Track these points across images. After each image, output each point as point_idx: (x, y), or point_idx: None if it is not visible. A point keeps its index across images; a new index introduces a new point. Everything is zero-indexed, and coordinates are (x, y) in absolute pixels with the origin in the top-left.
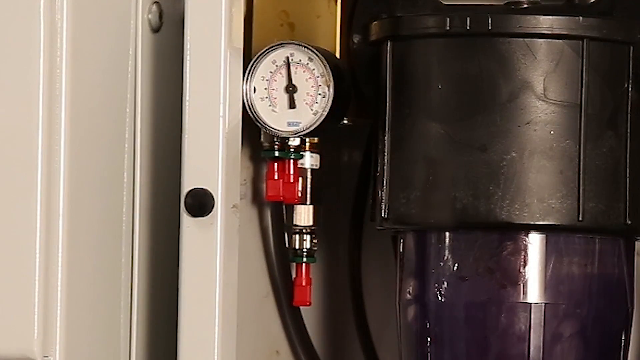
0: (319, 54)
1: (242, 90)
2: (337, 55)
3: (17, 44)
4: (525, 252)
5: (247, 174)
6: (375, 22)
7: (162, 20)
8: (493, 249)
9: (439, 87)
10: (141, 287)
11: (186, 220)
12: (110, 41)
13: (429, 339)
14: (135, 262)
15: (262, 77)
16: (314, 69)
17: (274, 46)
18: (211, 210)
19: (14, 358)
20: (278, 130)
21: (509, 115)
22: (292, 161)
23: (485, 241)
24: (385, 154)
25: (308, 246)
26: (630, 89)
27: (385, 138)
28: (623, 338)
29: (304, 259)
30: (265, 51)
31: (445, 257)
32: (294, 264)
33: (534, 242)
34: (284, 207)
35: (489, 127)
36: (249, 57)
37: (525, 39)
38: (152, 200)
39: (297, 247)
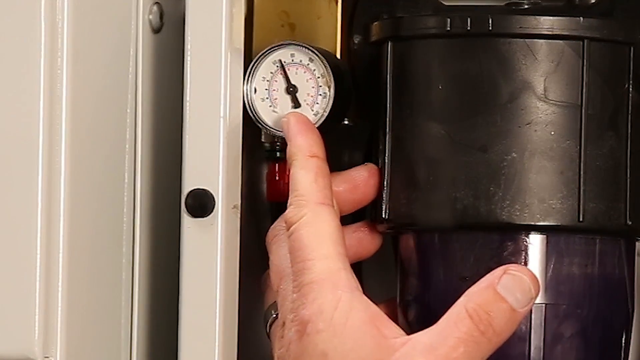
0: (319, 55)
1: (243, 90)
2: (338, 56)
3: (18, 45)
4: (526, 253)
5: (248, 174)
6: (375, 23)
7: (163, 21)
8: (494, 250)
9: (440, 87)
10: (142, 287)
11: (187, 220)
12: (111, 42)
13: None
14: (136, 262)
15: (263, 77)
16: (314, 70)
17: (274, 47)
18: (212, 211)
19: (14, 358)
20: (279, 131)
21: (509, 115)
22: None
23: (486, 241)
24: (386, 154)
25: None
26: (630, 89)
27: (386, 139)
28: (624, 339)
29: None
30: (265, 52)
31: (446, 258)
32: None
33: (535, 243)
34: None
35: (489, 128)
36: (250, 58)
37: (526, 40)
38: (153, 201)
39: None
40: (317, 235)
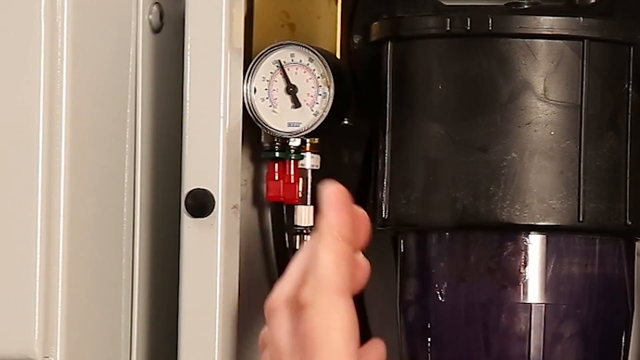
0: (319, 55)
1: (243, 90)
2: (338, 56)
3: (18, 45)
4: (526, 253)
5: (248, 174)
6: (375, 23)
7: (163, 21)
8: (493, 250)
9: (440, 87)
10: (142, 287)
11: (187, 220)
12: (111, 42)
13: (429, 340)
14: (136, 262)
15: (263, 77)
16: (314, 70)
17: (274, 47)
18: (212, 211)
19: (14, 358)
20: (278, 131)
21: (509, 115)
22: (292, 162)
23: (486, 241)
24: (386, 154)
25: None
26: (630, 89)
27: (386, 139)
28: (623, 339)
29: None
30: (265, 52)
31: (446, 258)
32: None
33: (535, 243)
34: (284, 207)
35: (489, 128)
36: (250, 58)
37: (526, 40)
38: (153, 201)
39: (297, 247)
40: (329, 329)
